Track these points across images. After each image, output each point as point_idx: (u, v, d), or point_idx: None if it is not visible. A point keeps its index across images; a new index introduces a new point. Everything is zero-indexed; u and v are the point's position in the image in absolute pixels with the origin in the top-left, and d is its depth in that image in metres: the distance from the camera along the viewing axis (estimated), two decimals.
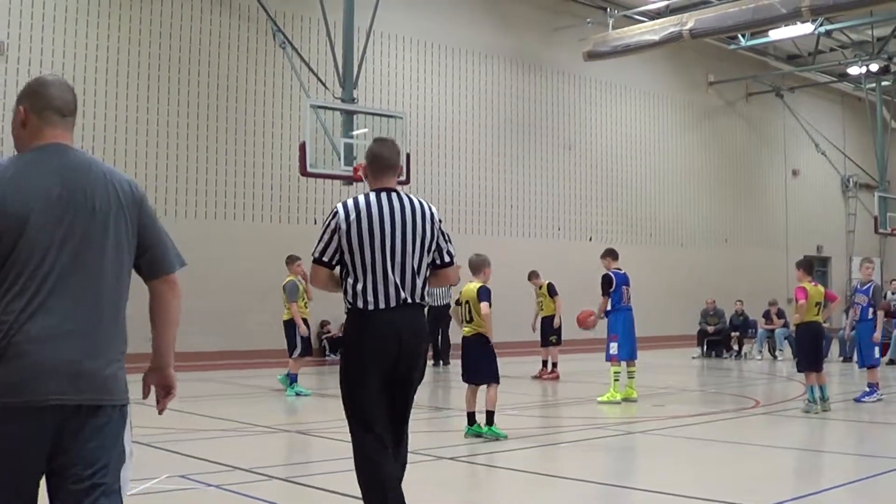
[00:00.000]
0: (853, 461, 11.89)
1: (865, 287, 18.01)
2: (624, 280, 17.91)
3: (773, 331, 29.54)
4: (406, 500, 6.75)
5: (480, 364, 12.84)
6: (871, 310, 17.84)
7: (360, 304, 6.81)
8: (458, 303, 13.36)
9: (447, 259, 7.09)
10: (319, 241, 6.94)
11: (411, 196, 7.07)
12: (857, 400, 17.01)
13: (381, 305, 6.78)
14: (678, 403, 18.20)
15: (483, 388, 12.87)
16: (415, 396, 7.09)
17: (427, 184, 30.07)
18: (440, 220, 7.07)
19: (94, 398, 4.28)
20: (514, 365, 22.83)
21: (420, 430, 14.36)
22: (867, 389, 17.13)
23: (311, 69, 26.35)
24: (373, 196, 6.96)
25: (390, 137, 7.52)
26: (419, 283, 6.93)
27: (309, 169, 22.27)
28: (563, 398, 19.41)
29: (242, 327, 24.99)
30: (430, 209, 7.05)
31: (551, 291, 22.52)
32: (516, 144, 33.27)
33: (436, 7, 31.20)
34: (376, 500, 6.71)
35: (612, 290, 17.68)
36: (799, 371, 16.27)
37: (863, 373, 18.21)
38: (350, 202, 6.94)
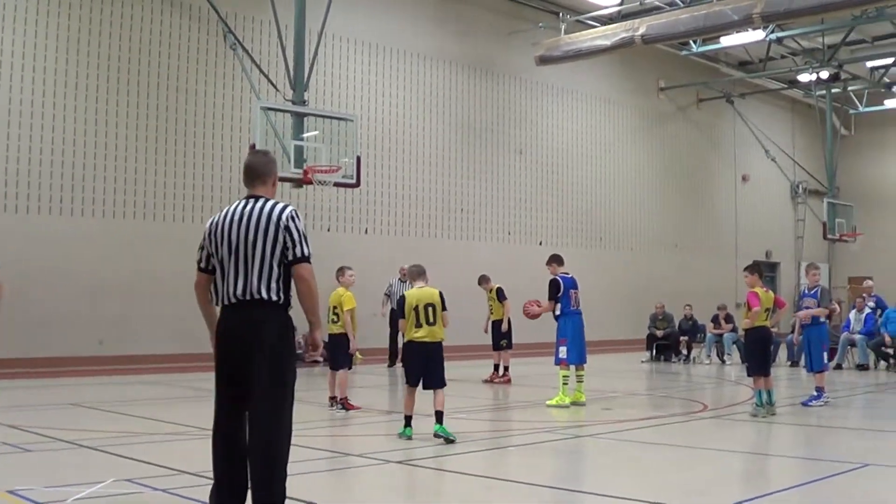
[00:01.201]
0: (801, 464, 11.91)
1: (813, 291, 18.07)
2: (571, 284, 17.90)
3: (721, 335, 29.66)
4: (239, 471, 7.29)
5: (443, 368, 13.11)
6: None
7: (216, 301, 7.47)
8: (403, 306, 13.15)
9: (290, 257, 7.34)
10: (199, 248, 7.61)
11: (269, 200, 7.49)
12: (805, 404, 17.10)
13: (225, 301, 7.36)
14: (627, 407, 18.25)
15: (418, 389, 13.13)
16: (270, 388, 7.26)
17: (378, 186, 30.04)
18: (291, 220, 7.35)
19: None
20: (464, 369, 22.84)
21: (368, 433, 14.36)
22: (814, 393, 17.24)
23: (261, 71, 26.24)
24: (235, 203, 7.52)
25: (265, 149, 8.04)
26: (258, 281, 7.29)
27: None
28: (513, 402, 19.39)
29: (192, 330, 24.76)
30: (279, 212, 7.37)
31: (500, 296, 22.52)
32: (468, 148, 33.26)
33: (388, 10, 31.14)
34: (214, 462, 7.41)
35: (559, 294, 17.68)
36: (748, 376, 16.31)
37: (810, 377, 18.28)
38: (220, 211, 7.59)
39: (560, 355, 17.49)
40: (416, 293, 13.12)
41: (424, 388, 12.95)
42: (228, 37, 26.45)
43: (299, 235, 7.31)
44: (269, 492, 7.13)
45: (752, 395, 16.18)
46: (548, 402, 17.25)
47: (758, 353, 16.08)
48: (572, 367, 17.52)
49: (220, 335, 7.40)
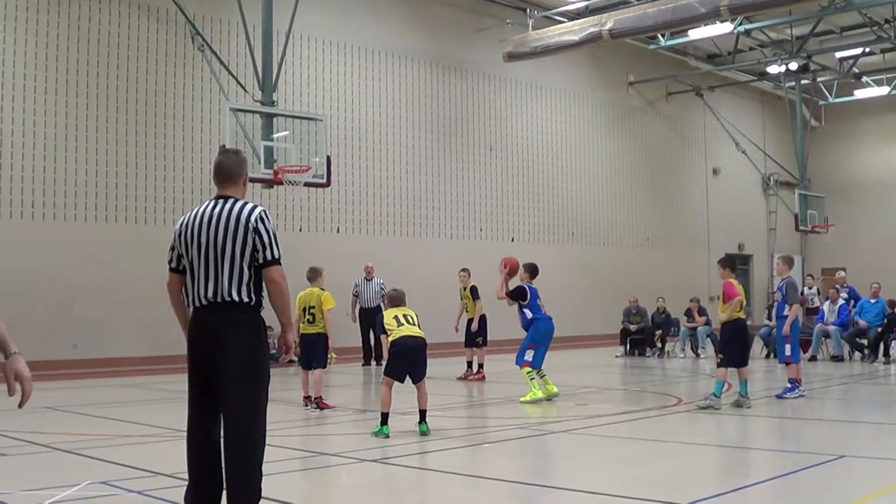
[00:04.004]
0: (776, 457, 11.94)
1: (781, 284, 18.12)
2: (537, 293, 17.95)
3: (695, 329, 29.62)
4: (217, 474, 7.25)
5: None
6: (786, 306, 17.91)
7: (187, 302, 7.37)
8: (382, 322, 13.53)
9: (260, 260, 7.25)
10: (170, 249, 7.48)
11: (239, 201, 7.38)
12: (779, 396, 17.13)
13: (197, 304, 7.28)
14: (601, 402, 18.21)
15: (394, 385, 13.24)
16: (243, 389, 7.20)
17: (348, 186, 29.97)
18: (260, 221, 7.25)
19: None
20: (439, 366, 22.81)
21: (343, 432, 14.33)
22: (788, 386, 17.25)
23: (230, 72, 26.15)
24: (205, 203, 7.43)
25: (236, 148, 7.95)
26: (229, 283, 7.20)
27: None
28: (487, 398, 19.39)
29: (165, 333, 24.68)
30: (249, 213, 7.27)
31: (474, 294, 22.44)
32: (438, 146, 33.23)
33: (355, 9, 31.04)
34: (188, 464, 7.36)
35: (525, 301, 17.67)
36: (720, 366, 16.12)
37: (784, 369, 18.30)
38: (190, 211, 7.46)
39: (525, 357, 17.46)
40: (393, 309, 13.53)
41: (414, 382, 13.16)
42: (196, 39, 26.35)
43: (269, 237, 7.22)
44: (244, 492, 7.08)
45: (728, 389, 16.19)
46: (521, 399, 17.23)
47: (736, 344, 16.04)
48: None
49: (192, 338, 7.31)
